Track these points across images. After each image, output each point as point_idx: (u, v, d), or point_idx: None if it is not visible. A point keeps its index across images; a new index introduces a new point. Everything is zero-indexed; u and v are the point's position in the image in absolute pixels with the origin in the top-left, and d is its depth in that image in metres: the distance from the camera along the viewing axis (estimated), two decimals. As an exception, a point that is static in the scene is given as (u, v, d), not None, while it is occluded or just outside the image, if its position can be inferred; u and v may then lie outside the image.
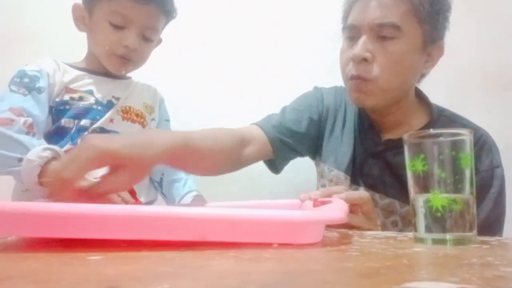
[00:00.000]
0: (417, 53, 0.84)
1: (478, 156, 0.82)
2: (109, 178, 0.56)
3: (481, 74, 1.28)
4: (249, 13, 1.41)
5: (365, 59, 0.81)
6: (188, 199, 1.01)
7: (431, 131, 0.50)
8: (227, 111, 1.35)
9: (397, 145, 0.87)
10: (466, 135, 0.50)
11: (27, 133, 0.81)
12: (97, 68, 0.98)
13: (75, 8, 0.96)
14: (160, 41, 1.05)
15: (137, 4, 0.90)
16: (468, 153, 0.49)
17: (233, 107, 1.35)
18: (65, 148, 0.89)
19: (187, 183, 1.04)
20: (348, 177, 0.93)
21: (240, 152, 0.86)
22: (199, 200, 1.01)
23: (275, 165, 0.98)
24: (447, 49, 1.30)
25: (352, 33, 0.85)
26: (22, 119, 0.82)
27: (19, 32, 1.38)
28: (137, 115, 1.01)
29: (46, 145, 0.76)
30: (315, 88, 1.06)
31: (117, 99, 0.99)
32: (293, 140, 0.96)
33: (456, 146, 0.49)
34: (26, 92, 0.87)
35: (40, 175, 0.73)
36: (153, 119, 1.06)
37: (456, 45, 1.30)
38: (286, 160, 0.99)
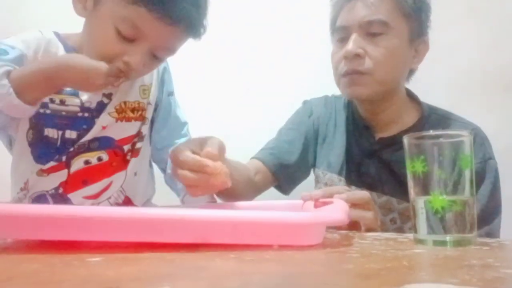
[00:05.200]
0: (406, 47, 0.88)
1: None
2: None
3: (481, 74, 1.28)
4: (257, 8, 1.40)
5: (357, 55, 0.85)
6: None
7: (431, 132, 0.50)
8: (234, 106, 1.35)
9: (391, 143, 0.90)
10: (466, 136, 0.50)
11: None
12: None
13: None
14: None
15: (160, 23, 0.71)
16: (468, 154, 0.49)
17: (239, 102, 1.35)
18: (48, 165, 0.80)
19: None
20: (342, 179, 0.95)
21: (255, 182, 0.95)
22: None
23: (283, 188, 1.02)
24: (447, 50, 1.30)
25: (343, 34, 0.89)
26: None
27: (19, 31, 1.38)
28: (133, 110, 0.85)
29: None
30: (304, 102, 1.10)
31: (109, 96, 0.83)
32: (292, 160, 0.99)
33: (456, 147, 0.49)
34: None
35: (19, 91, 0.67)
36: (149, 104, 0.88)
37: (456, 45, 1.30)
38: (292, 181, 1.03)
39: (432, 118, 0.92)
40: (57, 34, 0.83)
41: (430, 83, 1.26)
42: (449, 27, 1.30)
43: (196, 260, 0.39)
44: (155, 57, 0.77)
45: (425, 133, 0.51)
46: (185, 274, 0.34)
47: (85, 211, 0.44)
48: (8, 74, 0.67)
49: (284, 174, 0.99)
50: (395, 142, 0.89)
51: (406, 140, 0.52)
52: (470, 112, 0.93)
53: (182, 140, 0.94)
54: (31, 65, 0.71)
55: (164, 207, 0.82)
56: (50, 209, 0.43)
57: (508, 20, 1.27)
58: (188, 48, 1.40)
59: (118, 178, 0.85)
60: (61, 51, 0.80)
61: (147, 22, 0.70)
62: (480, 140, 0.87)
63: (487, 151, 0.87)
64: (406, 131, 0.89)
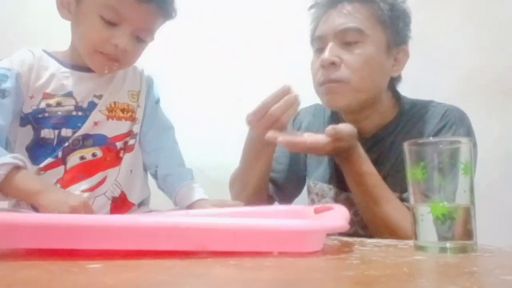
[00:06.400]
0: (383, 55, 0.88)
1: (439, 130, 0.87)
2: None
3: (482, 79, 1.28)
4: (249, 14, 1.41)
5: (333, 63, 0.85)
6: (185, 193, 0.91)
7: (431, 139, 0.50)
8: (226, 114, 1.35)
9: (374, 143, 0.91)
10: (466, 144, 0.50)
11: None
12: (80, 62, 0.88)
13: None
14: (151, 39, 0.94)
15: (136, 2, 0.82)
16: (468, 161, 0.49)
17: (232, 110, 1.35)
18: (45, 162, 0.84)
19: (181, 176, 0.94)
20: (332, 187, 0.95)
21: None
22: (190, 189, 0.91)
23: (280, 202, 1.03)
24: (448, 55, 1.30)
25: (320, 44, 0.90)
26: None
27: (19, 32, 1.38)
28: (123, 110, 0.92)
29: (1, 160, 0.72)
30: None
31: (100, 97, 0.89)
32: (280, 177, 1.01)
33: (456, 154, 0.49)
34: None
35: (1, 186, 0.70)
36: (138, 106, 0.95)
37: (456, 50, 1.31)
38: (287, 195, 1.03)
39: (411, 111, 0.92)
40: (45, 51, 0.91)
41: (431, 88, 1.26)
42: (449, 32, 1.30)
43: (195, 267, 0.39)
44: (138, 39, 0.86)
45: (425, 140, 0.51)
46: (184, 281, 0.34)
47: (85, 220, 0.44)
48: (10, 169, 0.70)
49: (276, 190, 1.00)
50: (376, 141, 0.91)
51: (406, 147, 0.52)
52: (470, 117, 0.92)
53: (169, 144, 0.98)
54: (25, 182, 0.72)
55: (162, 212, 0.82)
56: (49, 218, 0.42)
57: (508, 25, 1.27)
58: (186, 49, 1.40)
59: (112, 173, 0.88)
60: (52, 64, 0.88)
61: (125, 4, 0.81)
62: (451, 120, 0.88)
63: (457, 131, 0.86)
64: (385, 127, 0.91)
